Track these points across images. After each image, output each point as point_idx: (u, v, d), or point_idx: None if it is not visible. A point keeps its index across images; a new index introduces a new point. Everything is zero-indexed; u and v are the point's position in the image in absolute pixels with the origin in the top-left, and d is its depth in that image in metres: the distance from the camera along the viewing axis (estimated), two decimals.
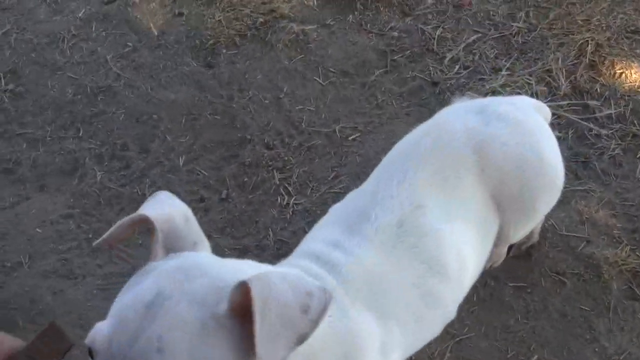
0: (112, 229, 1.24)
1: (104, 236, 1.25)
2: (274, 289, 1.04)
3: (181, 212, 1.27)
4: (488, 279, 2.39)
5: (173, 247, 1.22)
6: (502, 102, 1.91)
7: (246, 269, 1.20)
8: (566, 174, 2.60)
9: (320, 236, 1.66)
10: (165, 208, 1.25)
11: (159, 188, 2.77)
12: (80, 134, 3.00)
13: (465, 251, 1.71)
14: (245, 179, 2.77)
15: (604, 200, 2.56)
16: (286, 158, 2.82)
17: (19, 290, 2.53)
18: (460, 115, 1.84)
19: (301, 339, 1.04)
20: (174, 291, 1.08)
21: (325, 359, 1.40)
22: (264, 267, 1.33)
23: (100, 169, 2.87)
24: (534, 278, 2.39)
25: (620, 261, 2.38)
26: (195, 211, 2.68)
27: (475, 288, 2.37)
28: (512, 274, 2.40)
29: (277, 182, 2.75)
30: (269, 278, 1.05)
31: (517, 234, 1.94)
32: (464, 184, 1.72)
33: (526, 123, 1.83)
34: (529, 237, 2.39)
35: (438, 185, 1.69)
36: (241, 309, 1.06)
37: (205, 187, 2.77)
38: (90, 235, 2.67)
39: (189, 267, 1.13)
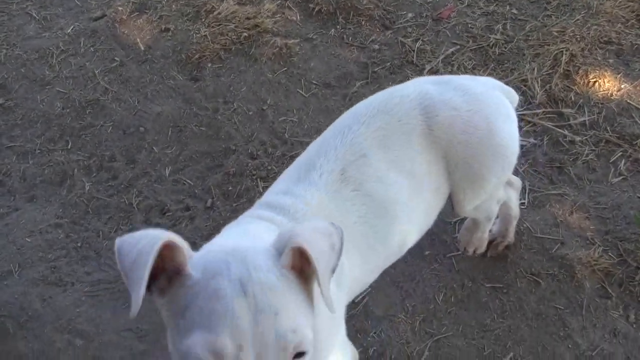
0: (141, 289, 1.16)
1: (139, 298, 1.17)
2: (314, 239, 1.24)
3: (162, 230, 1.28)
4: (465, 280, 2.46)
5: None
6: (466, 77, 2.02)
7: (246, 240, 1.44)
8: (541, 179, 2.69)
9: (274, 189, 1.82)
10: (155, 233, 1.24)
11: (146, 198, 2.84)
12: (69, 146, 3.06)
13: (413, 195, 1.83)
14: (230, 188, 2.84)
15: (577, 204, 2.63)
16: (270, 167, 2.89)
17: (10, 298, 2.58)
18: (419, 83, 1.95)
19: (333, 270, 1.26)
20: (245, 273, 1.20)
21: None
22: (261, 235, 1.53)
23: (88, 180, 2.94)
24: (510, 279, 2.46)
25: (593, 261, 2.45)
26: (181, 219, 2.77)
27: (452, 289, 2.45)
28: (488, 275, 2.48)
29: (261, 191, 2.81)
30: (305, 233, 1.25)
31: (470, 203, 2.01)
32: (410, 140, 1.82)
33: (482, 95, 1.92)
34: (504, 236, 2.47)
35: (382, 139, 1.81)
36: (292, 264, 1.25)
37: (190, 196, 2.84)
38: (79, 244, 2.73)
39: (229, 252, 1.26)
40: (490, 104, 1.91)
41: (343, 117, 1.91)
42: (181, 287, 1.22)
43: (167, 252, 1.22)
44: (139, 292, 1.15)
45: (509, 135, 1.94)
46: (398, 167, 1.81)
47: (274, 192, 1.79)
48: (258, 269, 1.20)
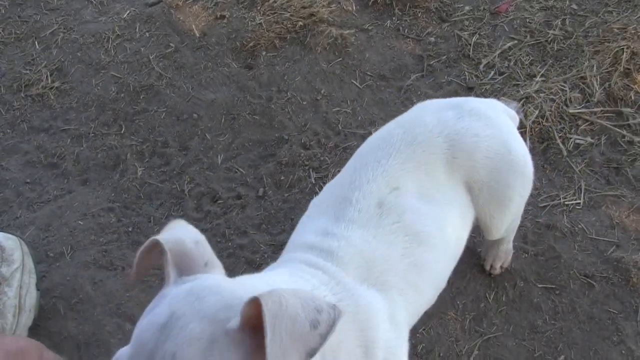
0: (135, 263, 1.31)
1: (133, 270, 1.33)
2: (285, 304, 1.07)
3: (191, 235, 1.33)
4: (517, 279, 2.43)
5: (184, 268, 1.27)
6: (474, 100, 2.03)
7: (259, 285, 1.28)
8: (597, 180, 2.64)
9: (310, 228, 1.78)
10: (176, 232, 1.31)
11: (198, 185, 2.84)
12: (123, 131, 3.09)
13: (445, 225, 1.83)
14: (282, 178, 2.84)
15: (635, 206, 2.58)
16: (322, 158, 2.88)
17: (61, 279, 2.61)
18: (433, 110, 1.95)
19: (311, 353, 1.07)
20: (186, 311, 1.13)
21: (343, 338, 1.51)
22: (277, 284, 1.44)
23: (141, 165, 2.96)
24: (563, 280, 2.42)
25: None
26: (232, 208, 2.77)
27: (504, 288, 2.42)
28: (541, 275, 2.44)
29: (313, 181, 2.81)
30: (280, 294, 1.08)
31: (498, 226, 2.03)
32: (436, 169, 1.83)
33: (496, 119, 1.95)
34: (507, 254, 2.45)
35: (411, 170, 1.81)
36: (253, 323, 1.10)
37: (242, 185, 2.84)
38: (130, 229, 2.75)
39: (200, 288, 1.18)
40: (503, 127, 1.95)
41: (366, 149, 1.92)
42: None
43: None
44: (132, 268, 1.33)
45: (523, 153, 1.98)
46: (428, 198, 1.81)
47: (312, 232, 1.76)
48: (198, 312, 1.14)
